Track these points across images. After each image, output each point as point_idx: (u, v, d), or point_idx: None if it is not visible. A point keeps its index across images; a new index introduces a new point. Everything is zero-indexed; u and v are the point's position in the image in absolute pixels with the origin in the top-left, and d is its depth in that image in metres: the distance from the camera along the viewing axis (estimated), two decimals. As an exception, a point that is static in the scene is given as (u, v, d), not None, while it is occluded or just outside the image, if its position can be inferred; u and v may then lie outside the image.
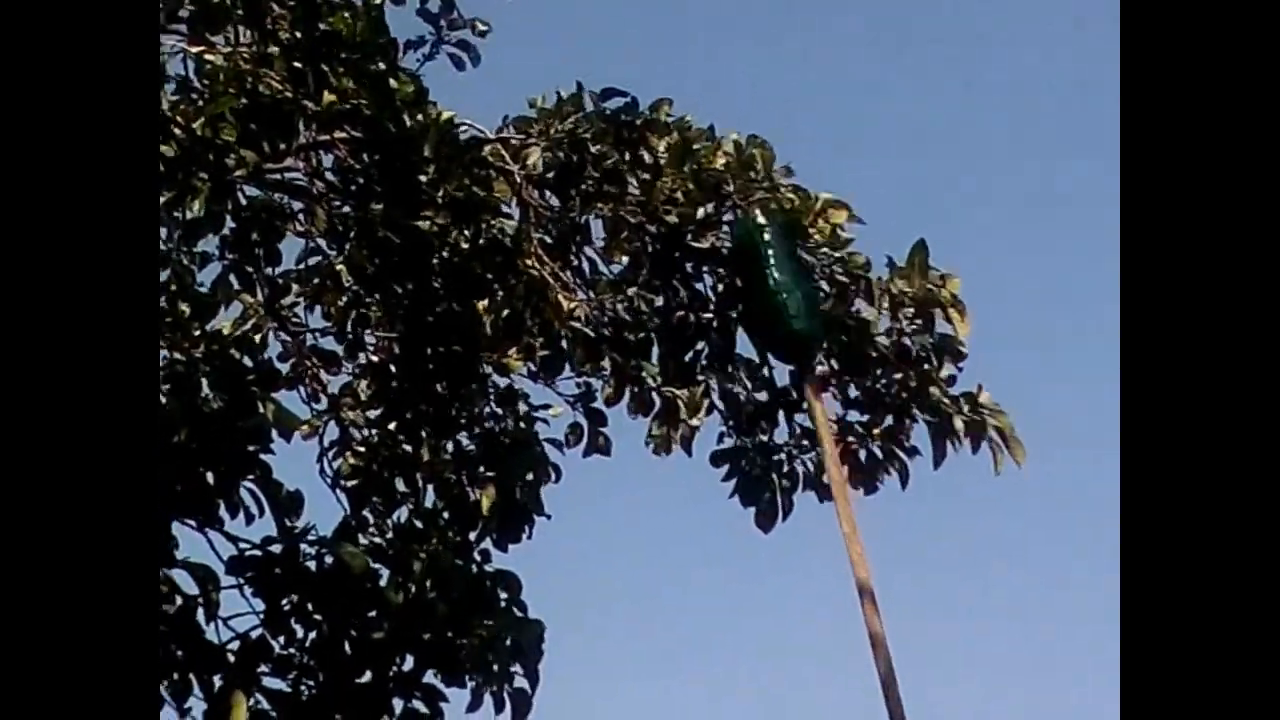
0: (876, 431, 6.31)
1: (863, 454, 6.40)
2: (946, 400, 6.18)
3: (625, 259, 6.37)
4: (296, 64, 6.17)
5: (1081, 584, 15.39)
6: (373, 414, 6.43)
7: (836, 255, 6.30)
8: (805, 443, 6.44)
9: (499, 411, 6.54)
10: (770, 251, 6.09)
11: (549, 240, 6.38)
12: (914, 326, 6.23)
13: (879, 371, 6.25)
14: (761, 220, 6.18)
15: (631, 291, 6.30)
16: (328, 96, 6.11)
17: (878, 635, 5.37)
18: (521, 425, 6.53)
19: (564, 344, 6.50)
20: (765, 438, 6.44)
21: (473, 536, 6.17)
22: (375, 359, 6.48)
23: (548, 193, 6.44)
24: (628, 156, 6.23)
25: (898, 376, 6.25)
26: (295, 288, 6.60)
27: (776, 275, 6.04)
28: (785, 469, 6.43)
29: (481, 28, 7.18)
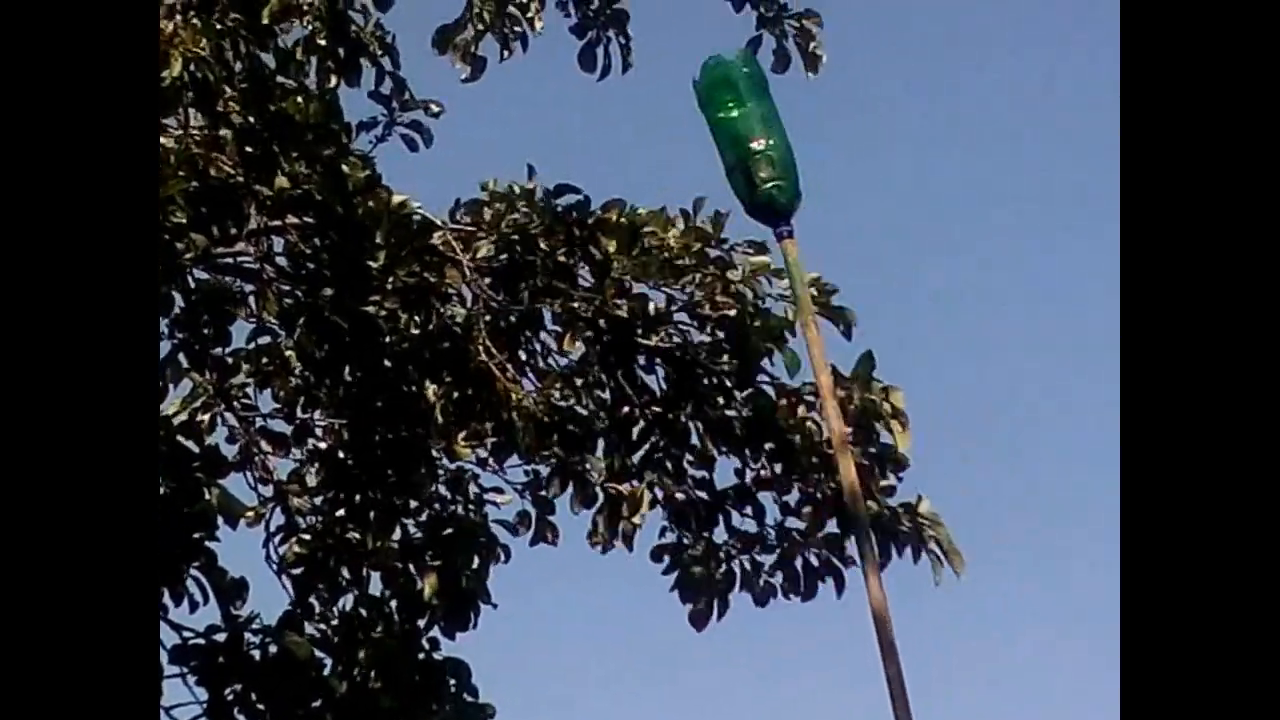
0: (816, 538, 6.31)
1: (799, 562, 6.39)
2: (886, 511, 6.17)
3: (576, 350, 6.35)
4: (248, 148, 6.17)
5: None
6: (319, 500, 6.39)
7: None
8: (742, 544, 6.43)
9: (447, 495, 6.52)
10: (748, 103, 5.75)
11: (498, 329, 6.37)
12: (855, 436, 6.21)
13: (819, 476, 6.25)
14: (732, 69, 5.82)
15: (579, 384, 6.29)
16: (279, 181, 6.10)
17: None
18: (471, 508, 6.51)
19: (515, 430, 6.47)
20: (706, 535, 6.43)
21: (420, 624, 6.15)
22: (323, 444, 6.45)
23: (496, 283, 6.43)
24: (578, 254, 6.22)
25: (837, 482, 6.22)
26: (245, 367, 6.57)
27: (755, 128, 5.70)
28: (723, 569, 6.42)
29: (435, 109, 7.21)
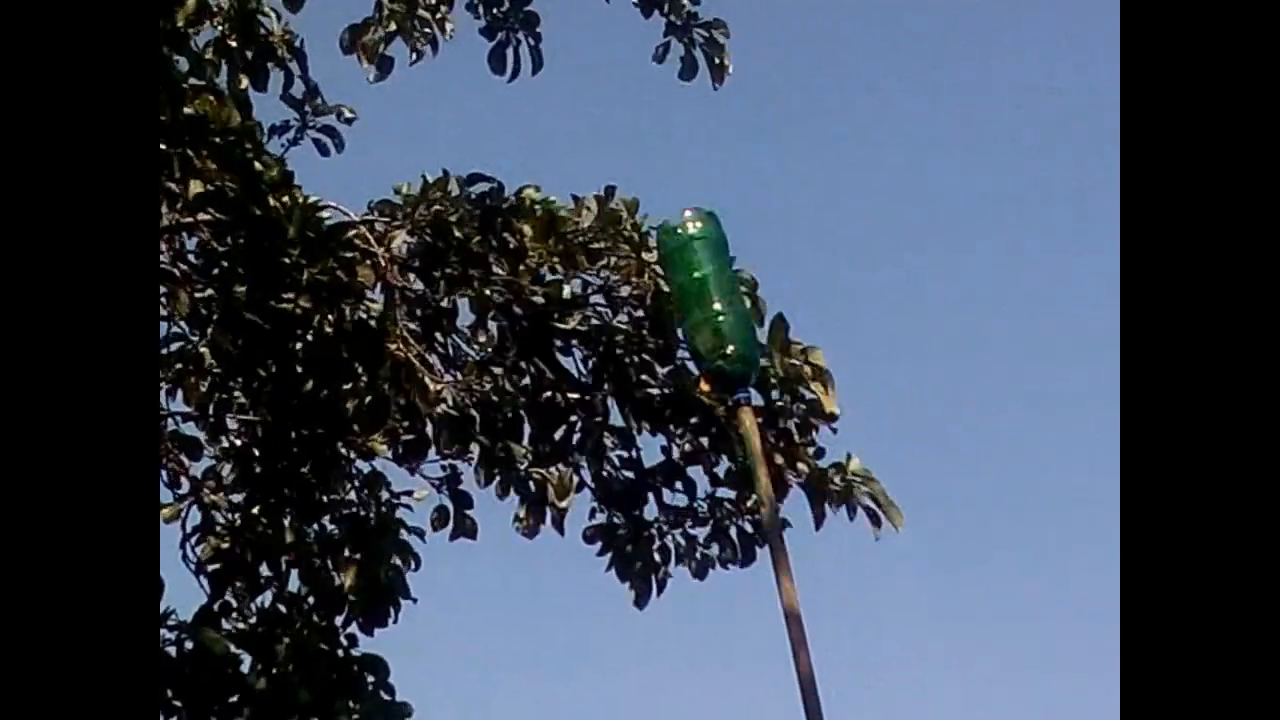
0: (747, 506, 6.36)
1: (734, 531, 6.44)
2: (816, 472, 6.22)
3: (491, 340, 6.38)
4: (161, 147, 6.15)
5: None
6: (236, 498, 6.37)
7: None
8: (674, 519, 6.48)
9: (363, 496, 6.52)
10: (706, 267, 5.61)
11: (414, 323, 6.39)
12: (781, 403, 6.27)
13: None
14: (694, 229, 5.67)
15: (498, 372, 6.31)
16: (194, 184, 6.08)
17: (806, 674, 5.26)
18: (385, 510, 6.51)
19: (429, 427, 6.49)
20: (636, 514, 6.46)
21: (338, 621, 6.14)
22: (238, 443, 6.43)
23: (412, 276, 6.45)
24: (493, 240, 6.25)
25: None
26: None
27: (713, 296, 5.57)
28: (656, 544, 6.46)
29: (348, 114, 7.22)
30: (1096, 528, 14.50)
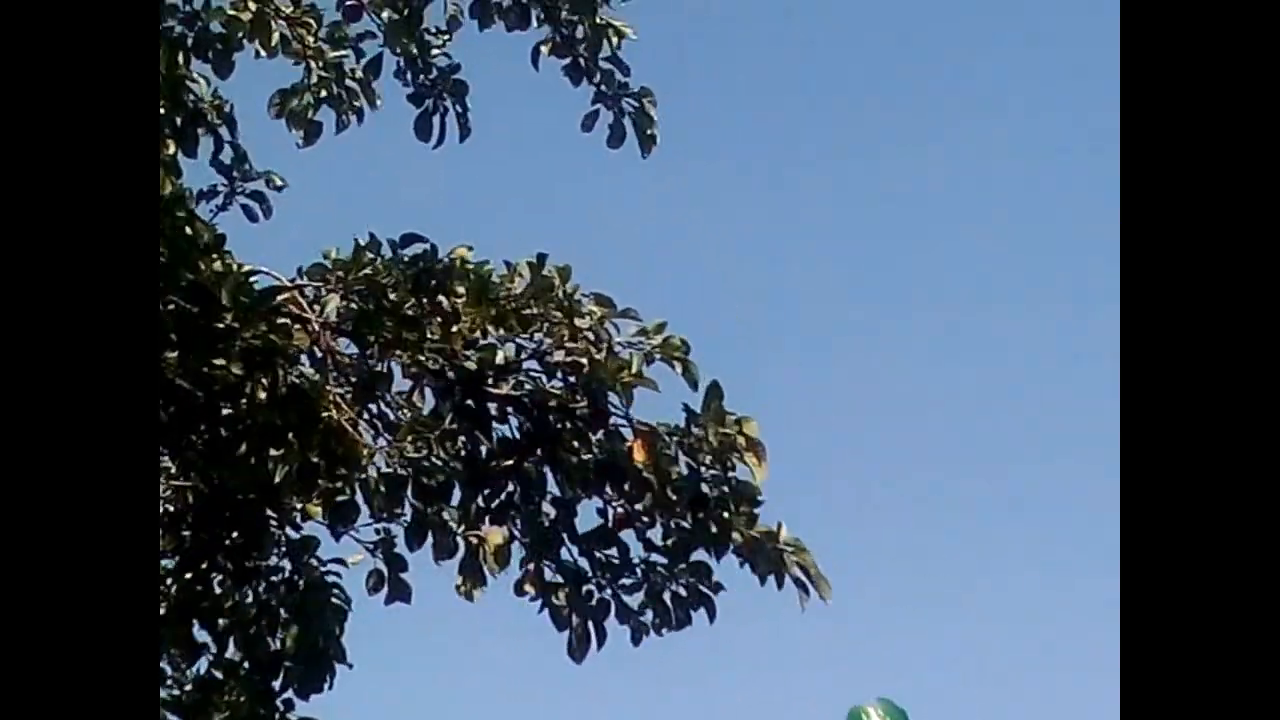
0: (681, 569, 6.38)
1: (668, 595, 6.46)
2: (747, 539, 6.26)
3: (426, 405, 6.39)
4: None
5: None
6: (167, 564, 6.34)
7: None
8: (610, 574, 6.49)
9: (296, 562, 6.51)
10: None
11: (346, 388, 6.39)
12: (713, 472, 6.30)
13: (678, 509, 6.31)
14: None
15: (432, 437, 6.32)
16: None
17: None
18: (319, 574, 6.50)
19: (359, 491, 6.48)
20: (572, 565, 6.46)
21: (276, 685, 6.12)
22: (169, 509, 6.41)
23: (345, 340, 6.46)
24: (426, 303, 6.27)
25: (700, 516, 6.31)
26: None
27: None
28: (595, 599, 6.46)
29: (277, 181, 7.24)
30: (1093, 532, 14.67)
